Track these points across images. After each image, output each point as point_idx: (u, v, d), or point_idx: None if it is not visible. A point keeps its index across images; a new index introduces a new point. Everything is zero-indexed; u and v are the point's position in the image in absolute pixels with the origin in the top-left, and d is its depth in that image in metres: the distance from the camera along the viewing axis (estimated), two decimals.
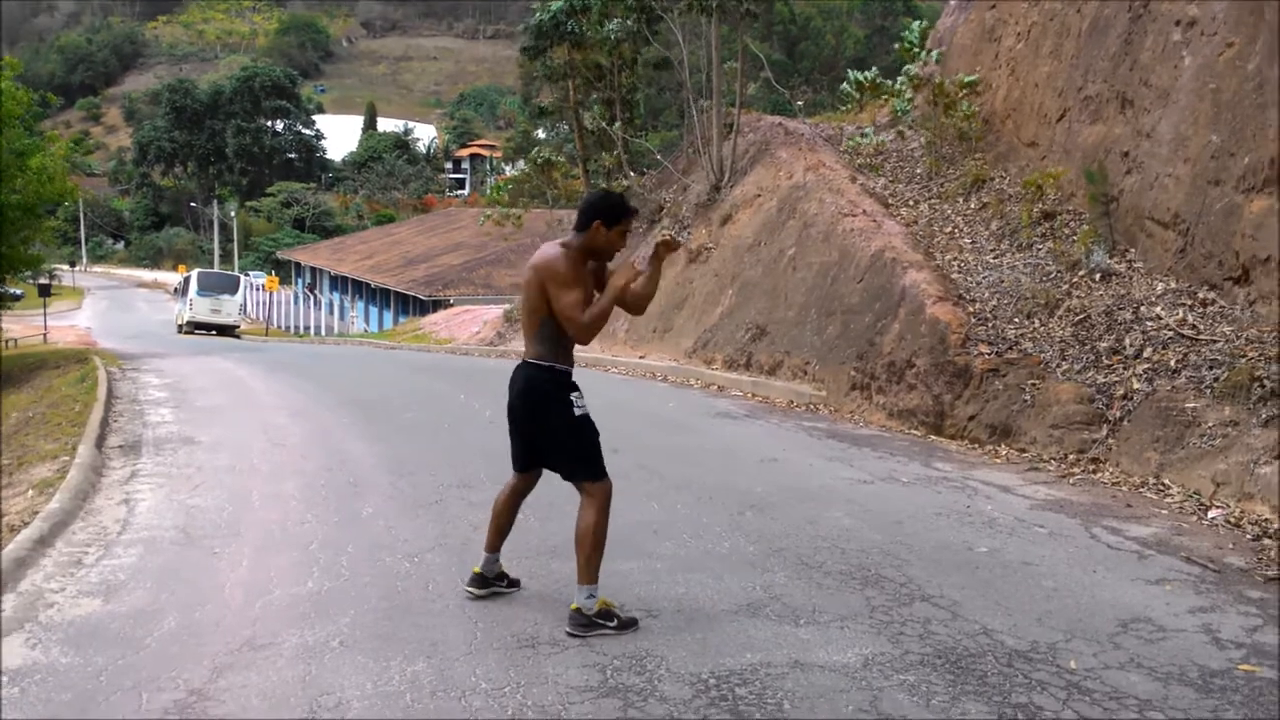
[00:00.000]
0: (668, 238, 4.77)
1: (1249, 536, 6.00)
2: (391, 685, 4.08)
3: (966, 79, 14.10)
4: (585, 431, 4.71)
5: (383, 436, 9.78)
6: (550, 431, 4.74)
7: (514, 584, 5.15)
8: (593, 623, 4.56)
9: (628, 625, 4.61)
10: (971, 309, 9.89)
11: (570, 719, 3.77)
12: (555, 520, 6.22)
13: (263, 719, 3.85)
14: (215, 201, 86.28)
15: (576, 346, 4.84)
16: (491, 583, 5.07)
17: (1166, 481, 7.13)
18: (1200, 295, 8.61)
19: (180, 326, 42.28)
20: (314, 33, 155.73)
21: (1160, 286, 9.04)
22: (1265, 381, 7.07)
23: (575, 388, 4.75)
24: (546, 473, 4.98)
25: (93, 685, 4.15)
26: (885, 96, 18.02)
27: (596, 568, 4.64)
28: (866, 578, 5.34)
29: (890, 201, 13.70)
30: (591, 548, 4.61)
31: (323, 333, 47.09)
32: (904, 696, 3.93)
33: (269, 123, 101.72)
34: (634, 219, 4.87)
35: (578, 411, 4.68)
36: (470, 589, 5.06)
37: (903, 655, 4.32)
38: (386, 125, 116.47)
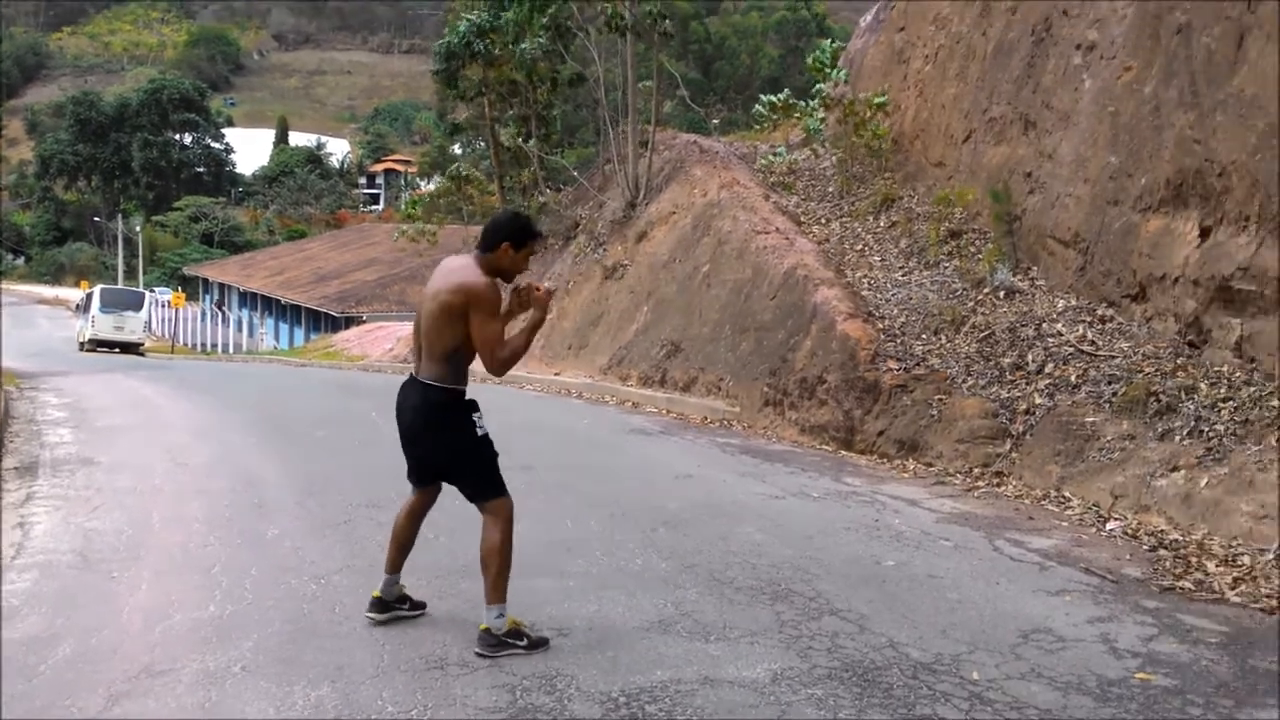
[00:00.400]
0: (532, 286, 4.74)
1: (1145, 547, 6.17)
2: (295, 710, 4.00)
3: (876, 99, 14.35)
4: (487, 451, 4.71)
5: (291, 456, 9.61)
6: (454, 453, 4.71)
7: (418, 606, 5.05)
8: (503, 642, 4.52)
9: (538, 645, 4.57)
10: (881, 326, 10.05)
11: None
12: (464, 538, 6.15)
13: None
14: (120, 216, 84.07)
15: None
16: (392, 606, 4.97)
17: (1067, 494, 7.31)
18: (1099, 312, 8.86)
19: (82, 344, 41.09)
20: (224, 45, 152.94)
21: (1061, 304, 9.28)
22: (1161, 396, 7.29)
23: (475, 408, 4.73)
24: (450, 491, 4.92)
25: None
26: (798, 116, 18.27)
27: (505, 586, 4.61)
28: (777, 593, 5.38)
29: (802, 219, 13.88)
30: (499, 567, 4.59)
31: (231, 350, 46.16)
32: (811, 710, 3.96)
33: (177, 136, 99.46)
34: (541, 242, 4.83)
35: (480, 432, 4.68)
36: (371, 614, 4.95)
37: (811, 669, 4.35)
38: (299, 139, 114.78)
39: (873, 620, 4.96)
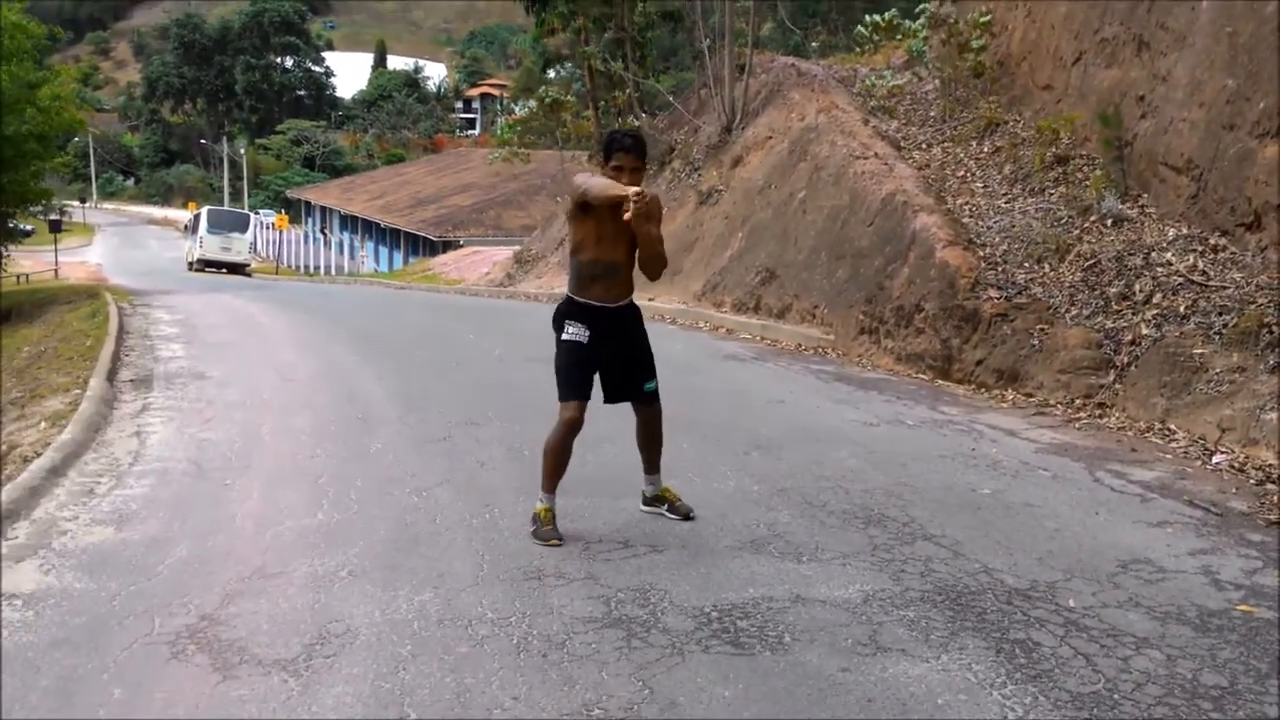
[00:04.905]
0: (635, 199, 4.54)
1: (1252, 481, 6.02)
2: (399, 614, 4.15)
3: (981, 18, 13.92)
4: (561, 355, 5.08)
5: (392, 373, 9.83)
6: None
7: (680, 511, 5.35)
8: (534, 519, 5.07)
9: (541, 538, 4.94)
10: (982, 253, 9.85)
11: (575, 648, 3.83)
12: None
13: (272, 643, 3.91)
14: (225, 138, 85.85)
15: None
16: (650, 502, 5.44)
17: (1172, 427, 7.15)
18: (1211, 241, 8.57)
19: (190, 264, 42.29)
20: None
21: (1172, 232, 9.00)
22: (1274, 328, 7.06)
23: (572, 315, 5.08)
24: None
25: (106, 609, 4.22)
26: (901, 37, 17.82)
27: (549, 479, 5.06)
28: (869, 517, 5.39)
29: (902, 144, 13.60)
30: (545, 459, 5.07)
31: (333, 272, 47.09)
32: (903, 631, 3.99)
33: (278, 59, 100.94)
34: (627, 156, 4.82)
35: (564, 336, 5.07)
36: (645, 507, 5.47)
37: (903, 592, 4.37)
38: (396, 63, 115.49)
39: (967, 546, 4.94)
